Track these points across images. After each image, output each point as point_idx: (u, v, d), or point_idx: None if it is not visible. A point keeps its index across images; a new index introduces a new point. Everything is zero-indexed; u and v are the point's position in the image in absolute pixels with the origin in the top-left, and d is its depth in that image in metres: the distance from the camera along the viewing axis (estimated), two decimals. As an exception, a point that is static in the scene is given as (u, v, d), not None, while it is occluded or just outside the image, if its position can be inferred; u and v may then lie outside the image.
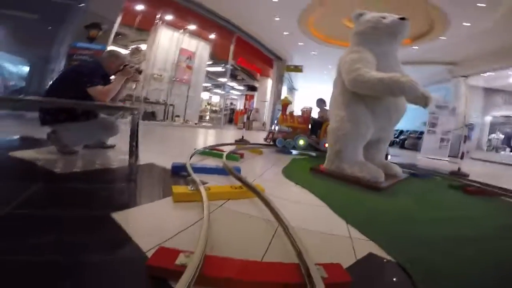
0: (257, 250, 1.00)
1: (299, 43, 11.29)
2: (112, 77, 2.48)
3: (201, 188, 1.41)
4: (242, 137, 5.27)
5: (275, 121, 4.97)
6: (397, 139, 13.11)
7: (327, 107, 5.88)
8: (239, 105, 18.86)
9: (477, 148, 11.43)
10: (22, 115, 4.84)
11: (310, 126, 4.98)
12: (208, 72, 12.15)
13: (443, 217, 1.63)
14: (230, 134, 7.60)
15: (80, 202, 1.34)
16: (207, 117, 13.90)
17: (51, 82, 2.34)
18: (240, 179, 1.77)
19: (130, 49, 8.04)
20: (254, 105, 14.58)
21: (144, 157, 2.42)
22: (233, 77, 14.92)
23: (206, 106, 14.77)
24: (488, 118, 12.18)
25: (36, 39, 6.17)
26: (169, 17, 8.74)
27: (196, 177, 1.63)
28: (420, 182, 2.97)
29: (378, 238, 1.18)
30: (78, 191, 1.49)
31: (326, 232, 1.26)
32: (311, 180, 2.39)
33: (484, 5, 6.40)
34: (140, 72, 2.66)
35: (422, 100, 2.71)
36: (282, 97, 9.00)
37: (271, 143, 4.93)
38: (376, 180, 2.32)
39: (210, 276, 0.75)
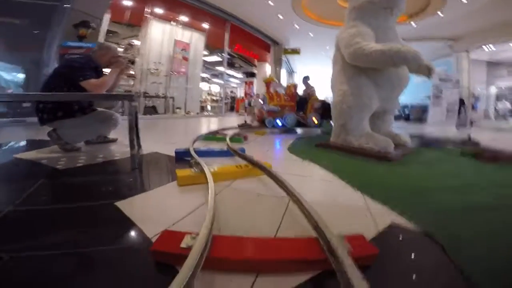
0: (269, 227, 0.95)
1: (295, 26, 11.06)
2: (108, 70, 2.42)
3: (206, 170, 1.36)
4: (245, 121, 5.35)
5: (262, 101, 4.76)
6: (402, 113, 12.98)
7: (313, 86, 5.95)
8: (240, 93, 18.71)
9: (485, 117, 11.31)
10: (23, 120, 4.87)
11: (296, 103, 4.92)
12: (205, 62, 12.01)
13: (459, 185, 1.54)
14: (232, 120, 7.56)
15: (83, 194, 1.31)
16: (209, 107, 13.82)
17: (45, 80, 2.28)
18: (245, 158, 1.72)
19: (122, 45, 7.92)
20: (255, 91, 14.44)
21: (148, 147, 2.39)
22: (231, 65, 14.74)
23: (206, 96, 14.65)
24: (493, 90, 12.07)
25: (26, 44, 6.11)
26: (159, 10, 8.56)
27: (200, 160, 1.59)
28: (430, 151, 2.89)
29: (397, 207, 1.12)
30: (81, 184, 1.47)
31: (341, 204, 1.20)
32: (319, 155, 2.33)
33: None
34: (132, 63, 2.61)
35: (425, 71, 2.72)
36: (281, 81, 8.86)
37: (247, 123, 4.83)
38: (385, 151, 2.26)
39: (219, 257, 0.68)
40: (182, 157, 1.97)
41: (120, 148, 2.45)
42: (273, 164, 1.68)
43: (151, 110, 8.17)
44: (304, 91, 5.45)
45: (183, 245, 0.70)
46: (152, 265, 0.70)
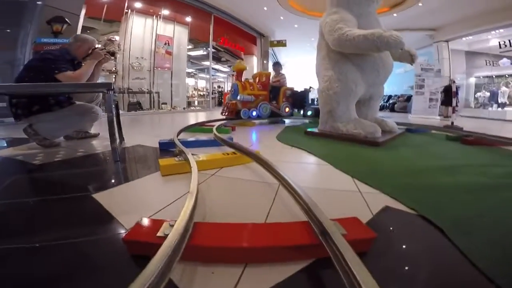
0: (258, 213, 0.90)
1: (280, 18, 10.98)
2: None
3: (190, 157, 1.30)
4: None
5: (233, 91, 4.27)
6: (387, 104, 13.22)
7: (283, 72, 5.83)
8: (227, 87, 18.52)
9: (466, 106, 11.64)
10: (1, 121, 4.64)
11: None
12: (190, 57, 11.76)
13: (448, 165, 1.54)
14: (219, 113, 7.44)
15: (58, 187, 1.22)
16: (196, 102, 13.60)
17: (17, 75, 2.14)
18: (232, 145, 1.67)
19: (102, 41, 7.63)
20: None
21: (131, 141, 2.30)
22: (217, 59, 14.51)
23: (193, 92, 14.41)
24: (473, 80, 12.44)
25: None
26: (138, 5, 8.28)
27: (185, 148, 1.52)
28: (416, 136, 2.93)
29: (390, 190, 1.09)
30: (57, 178, 1.38)
31: (333, 189, 1.16)
32: (308, 142, 2.31)
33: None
34: (113, 54, 2.49)
35: (408, 57, 2.78)
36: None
37: (224, 115, 4.45)
38: (373, 136, 2.26)
39: (201, 245, 0.61)
40: (167, 148, 1.90)
41: (101, 143, 2.34)
42: (262, 152, 1.63)
43: (136, 107, 7.95)
44: (274, 78, 5.28)
45: (160, 233, 0.63)
46: (125, 257, 0.63)
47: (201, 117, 6.43)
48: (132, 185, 1.20)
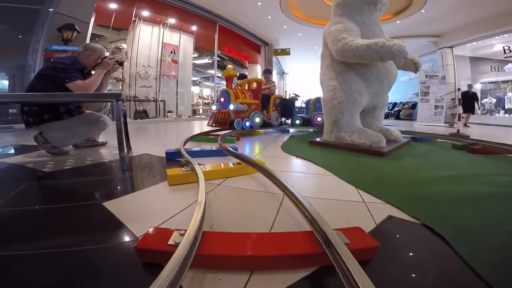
0: (263, 223, 0.92)
1: (284, 26, 11.14)
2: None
3: (197, 168, 1.33)
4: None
5: (217, 101, 4.06)
6: (392, 111, 13.18)
7: (273, 80, 5.56)
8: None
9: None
10: (10, 127, 4.75)
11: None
12: (195, 65, 11.93)
13: (452, 175, 1.54)
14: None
15: (69, 195, 1.26)
16: (201, 110, 13.72)
17: (29, 84, 2.21)
18: (238, 156, 1.70)
19: (109, 49, 7.80)
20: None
21: (138, 150, 2.35)
22: (222, 68, 14.67)
23: (198, 100, 14.55)
24: (478, 86, 12.38)
25: (9, 50, 5.98)
26: (145, 13, 8.49)
27: (191, 158, 1.56)
28: (422, 145, 2.93)
29: (393, 200, 1.11)
30: (67, 185, 1.41)
31: (336, 199, 1.18)
32: (312, 152, 2.33)
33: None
34: (121, 63, 2.56)
35: (412, 66, 2.78)
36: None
37: (212, 125, 4.14)
38: (378, 145, 2.27)
39: (210, 254, 0.64)
40: (173, 158, 1.94)
41: (109, 151, 2.39)
42: (266, 162, 1.65)
43: (142, 114, 8.06)
44: (263, 85, 4.97)
45: (171, 242, 0.66)
46: (137, 265, 0.66)
47: (206, 125, 6.48)
48: (140, 194, 1.24)
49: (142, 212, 1.03)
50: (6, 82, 6.33)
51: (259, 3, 9.01)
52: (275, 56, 14.03)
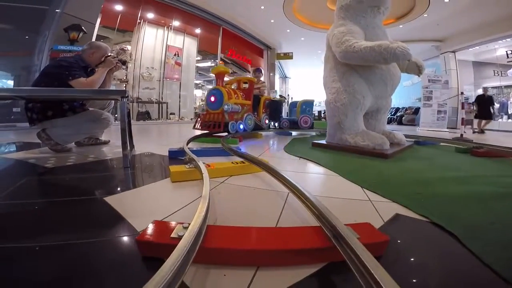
0: (268, 219, 0.90)
1: (287, 30, 11.19)
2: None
3: (200, 165, 1.32)
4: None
5: (213, 98, 3.42)
6: (394, 116, 13.14)
7: (263, 79, 5.39)
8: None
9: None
10: (13, 125, 4.78)
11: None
12: (198, 68, 11.99)
13: (457, 176, 1.53)
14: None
15: (70, 189, 1.25)
16: (203, 113, 13.75)
17: (33, 81, 2.22)
18: (241, 155, 1.68)
19: (114, 50, 7.86)
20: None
21: (141, 149, 2.34)
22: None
23: (200, 103, 14.62)
24: (481, 91, 12.35)
25: (16, 50, 6.03)
26: (150, 15, 8.56)
27: (195, 156, 1.54)
28: (425, 148, 2.91)
29: (400, 199, 1.09)
30: (69, 181, 1.40)
31: (342, 198, 1.16)
32: (316, 153, 2.31)
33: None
34: (124, 62, 2.56)
35: (415, 69, 2.77)
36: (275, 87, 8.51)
37: (198, 128, 3.58)
38: (381, 148, 2.25)
39: (214, 248, 0.61)
40: (176, 157, 1.93)
41: (111, 150, 2.39)
42: (270, 162, 1.64)
43: (145, 116, 8.08)
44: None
45: (173, 235, 0.63)
46: (138, 259, 0.64)
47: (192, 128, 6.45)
48: (142, 190, 1.22)
49: (144, 207, 1.02)
50: (11, 82, 6.37)
51: (262, 7, 9.06)
52: (278, 60, 14.09)
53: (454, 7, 8.05)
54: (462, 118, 4.65)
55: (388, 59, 2.18)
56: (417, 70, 2.76)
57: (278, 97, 6.69)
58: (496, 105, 11.68)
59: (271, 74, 13.84)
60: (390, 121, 12.62)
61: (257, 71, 5.15)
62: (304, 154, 2.21)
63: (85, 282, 0.57)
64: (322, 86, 2.94)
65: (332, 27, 2.74)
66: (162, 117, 8.73)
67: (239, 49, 12.05)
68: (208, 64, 12.98)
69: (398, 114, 13.19)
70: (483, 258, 0.65)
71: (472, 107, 7.88)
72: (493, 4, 7.66)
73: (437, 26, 9.64)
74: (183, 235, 0.58)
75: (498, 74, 11.24)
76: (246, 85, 3.98)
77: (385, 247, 0.66)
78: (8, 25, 5.70)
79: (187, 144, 2.27)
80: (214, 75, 3.73)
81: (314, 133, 4.39)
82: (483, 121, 7.62)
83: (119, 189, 1.23)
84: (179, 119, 9.21)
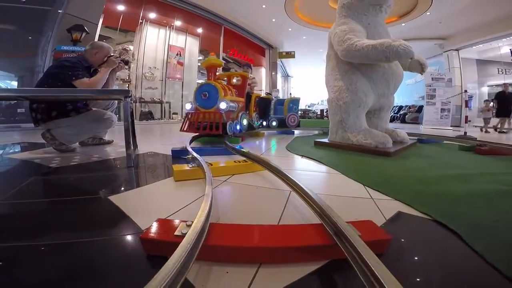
0: (270, 217, 0.91)
1: (289, 29, 11.17)
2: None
3: (203, 163, 1.33)
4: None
5: (204, 95, 2.87)
6: (398, 114, 13.08)
7: (253, 75, 4.78)
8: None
9: (479, 116, 11.46)
10: (18, 126, 4.83)
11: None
12: (200, 67, 12.00)
13: (461, 174, 1.52)
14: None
15: (75, 189, 1.26)
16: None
17: (37, 82, 2.24)
18: (243, 154, 1.69)
19: (116, 50, 7.89)
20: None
21: (144, 148, 2.35)
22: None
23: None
24: (485, 89, 12.23)
25: (19, 51, 6.06)
26: (152, 15, 8.58)
27: (198, 155, 1.55)
28: (429, 146, 2.90)
29: (402, 197, 1.09)
30: (74, 180, 1.42)
31: (344, 196, 1.16)
32: (318, 152, 2.31)
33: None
34: (126, 62, 2.58)
35: (418, 67, 2.76)
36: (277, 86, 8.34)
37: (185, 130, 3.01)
38: (384, 146, 2.25)
39: (217, 245, 0.62)
40: (179, 156, 1.94)
41: (115, 149, 2.40)
42: (272, 160, 1.64)
43: (148, 116, 8.11)
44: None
45: (177, 232, 0.64)
46: (142, 257, 0.64)
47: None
48: (146, 189, 1.23)
49: (147, 206, 1.03)
50: (15, 83, 6.41)
51: (263, 6, 9.05)
52: (280, 59, 14.07)
53: (456, 5, 8.00)
54: (466, 116, 4.62)
55: (390, 57, 2.17)
56: (420, 68, 2.74)
57: (277, 96, 6.54)
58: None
59: (273, 73, 13.83)
60: (393, 119, 12.57)
61: (246, 66, 4.85)
62: (307, 153, 2.22)
63: (91, 280, 0.58)
64: (324, 84, 2.93)
65: (334, 26, 2.74)
66: (164, 116, 8.76)
67: (241, 48, 12.05)
68: (210, 63, 12.98)
69: (401, 112, 13.13)
70: (486, 256, 0.64)
71: (492, 105, 7.51)
72: (495, 2, 7.60)
73: (440, 24, 9.58)
74: (186, 233, 0.59)
75: (503, 72, 11.15)
76: (238, 81, 3.42)
77: (387, 245, 0.67)
78: (12, 26, 5.74)
79: (190, 144, 2.29)
80: (205, 68, 3.23)
81: (317, 132, 4.39)
82: (506, 120, 7.16)
83: (123, 188, 1.25)
84: (182, 119, 9.23)
